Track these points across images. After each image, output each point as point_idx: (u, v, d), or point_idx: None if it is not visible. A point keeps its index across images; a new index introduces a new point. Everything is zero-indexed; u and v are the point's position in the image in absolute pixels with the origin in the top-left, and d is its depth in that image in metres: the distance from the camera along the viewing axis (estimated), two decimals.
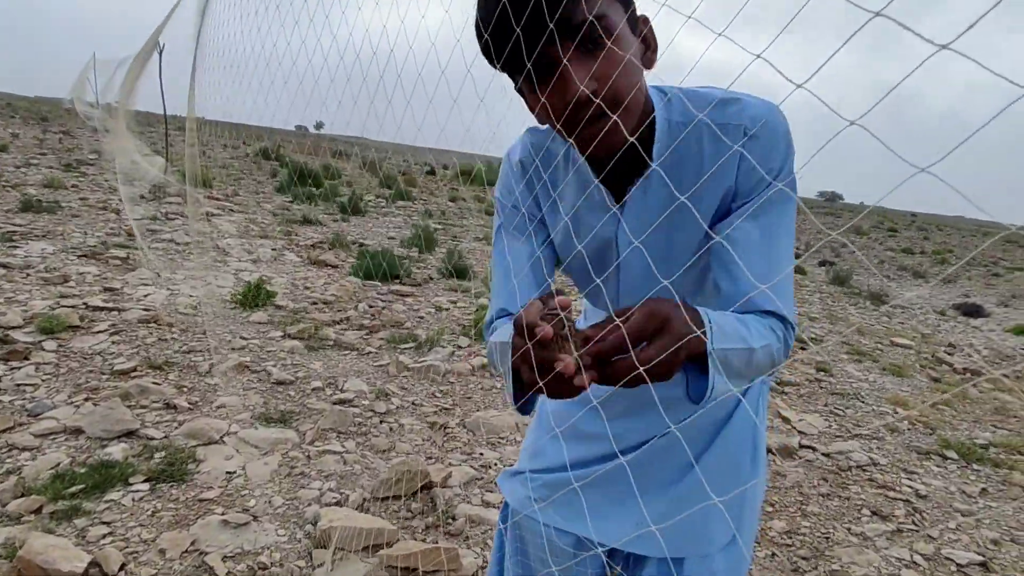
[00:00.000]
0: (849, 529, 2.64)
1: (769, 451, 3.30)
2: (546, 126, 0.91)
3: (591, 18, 0.73)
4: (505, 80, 0.89)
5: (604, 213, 0.93)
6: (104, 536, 2.06)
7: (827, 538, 2.55)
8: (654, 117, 0.86)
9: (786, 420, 3.78)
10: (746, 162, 0.83)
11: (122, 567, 1.93)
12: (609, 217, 0.92)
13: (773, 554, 2.39)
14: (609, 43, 0.74)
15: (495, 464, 2.83)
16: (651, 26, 0.84)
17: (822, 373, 4.85)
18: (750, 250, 0.82)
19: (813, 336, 6.00)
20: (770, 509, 2.73)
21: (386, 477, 2.47)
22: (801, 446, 3.42)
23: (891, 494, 2.99)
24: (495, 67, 0.83)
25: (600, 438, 1.10)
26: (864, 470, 3.24)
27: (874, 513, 2.80)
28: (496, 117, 1.08)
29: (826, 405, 4.18)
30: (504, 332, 0.81)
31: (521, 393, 0.79)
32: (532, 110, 0.87)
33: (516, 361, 0.68)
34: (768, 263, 0.83)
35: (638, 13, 0.83)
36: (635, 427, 1.07)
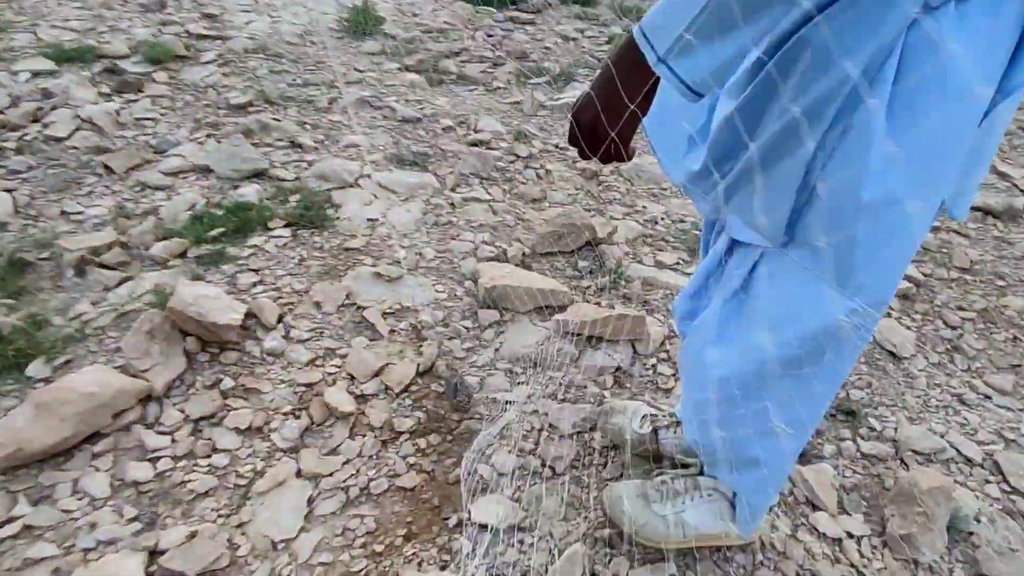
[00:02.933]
0: None
1: (989, 213, 2.72)
2: None
3: None
4: None
5: None
6: (254, 285, 1.90)
7: None
8: None
9: (1003, 176, 3.10)
10: None
11: (280, 319, 1.78)
12: None
13: (1015, 338, 1.97)
14: None
15: (661, 219, 2.44)
16: None
17: None
18: None
19: None
20: (1001, 283, 2.25)
21: (547, 231, 2.14)
22: None
23: None
24: None
25: None
26: None
27: None
28: None
29: None
30: None
31: None
32: None
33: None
34: None
35: None
36: None
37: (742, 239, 0.96)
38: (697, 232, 2.35)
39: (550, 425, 1.54)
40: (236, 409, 1.52)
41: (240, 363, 1.65)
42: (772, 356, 0.93)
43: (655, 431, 1.42)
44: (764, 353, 0.93)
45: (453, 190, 2.48)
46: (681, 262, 2.18)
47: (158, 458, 1.41)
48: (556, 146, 2.92)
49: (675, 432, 1.40)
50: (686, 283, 1.17)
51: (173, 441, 1.45)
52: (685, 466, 1.35)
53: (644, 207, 2.50)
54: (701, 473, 1.30)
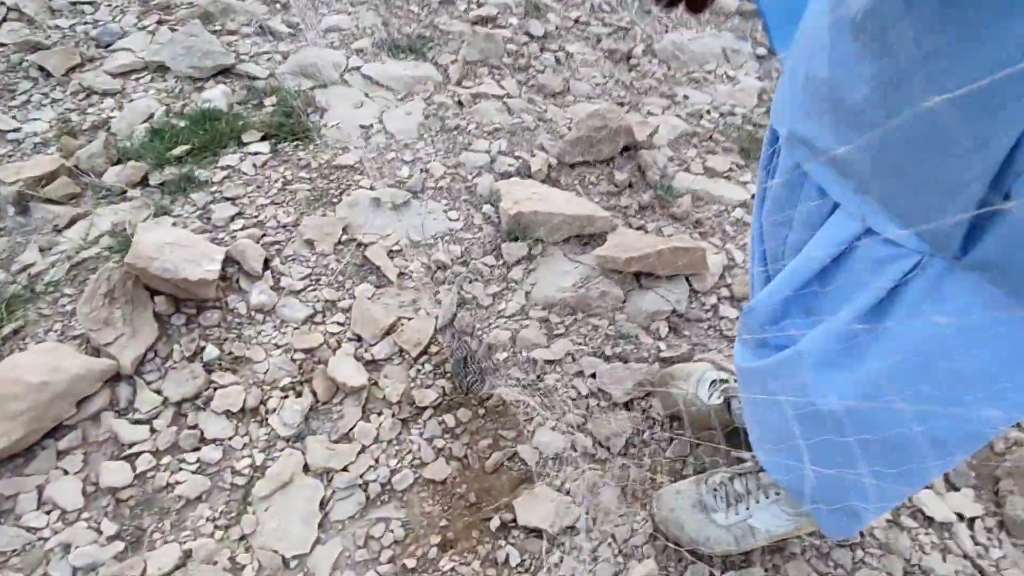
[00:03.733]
0: None
1: None
2: None
3: None
4: None
5: None
6: (232, 219, 1.59)
7: None
8: None
9: None
10: None
11: (266, 265, 1.49)
12: None
13: None
14: None
15: (707, 111, 2.06)
16: None
17: None
18: None
19: None
20: None
21: (575, 136, 1.79)
22: None
23: None
24: None
25: None
26: None
27: None
28: None
29: None
30: None
31: None
32: None
33: None
34: None
35: None
36: None
37: (887, 235, 0.64)
38: (750, 127, 1.99)
39: (599, 390, 1.30)
40: (224, 386, 1.27)
41: (224, 325, 1.38)
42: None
43: (727, 401, 1.18)
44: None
45: (459, 84, 2.08)
46: (734, 167, 1.85)
47: (137, 454, 1.18)
48: (576, 20, 2.46)
49: None
50: (765, 288, 0.81)
51: (152, 431, 1.21)
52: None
53: (686, 96, 2.12)
54: (762, 468, 1.07)
